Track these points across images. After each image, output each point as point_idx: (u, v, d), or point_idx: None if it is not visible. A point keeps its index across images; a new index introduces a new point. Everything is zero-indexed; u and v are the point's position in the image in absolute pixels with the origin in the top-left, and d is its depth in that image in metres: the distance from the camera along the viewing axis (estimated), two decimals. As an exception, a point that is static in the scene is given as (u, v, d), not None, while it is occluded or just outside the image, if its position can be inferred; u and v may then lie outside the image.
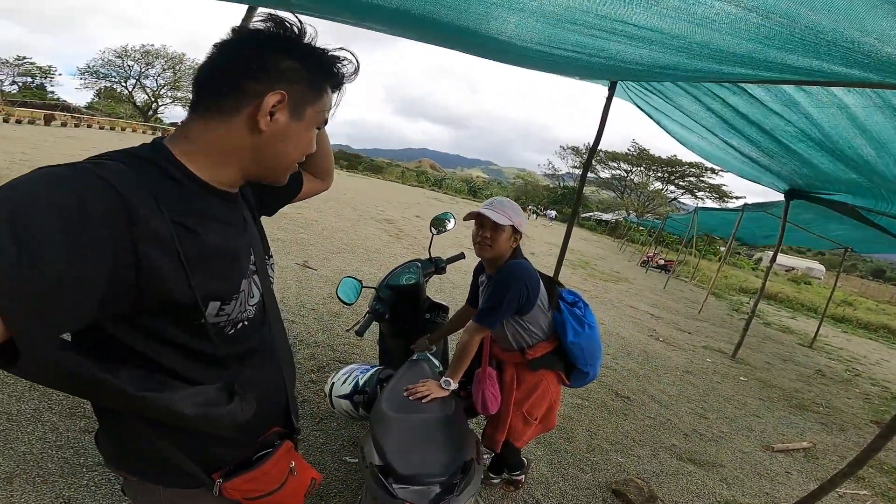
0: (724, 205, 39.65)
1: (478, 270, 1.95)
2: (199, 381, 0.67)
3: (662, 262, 18.12)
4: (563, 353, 1.84)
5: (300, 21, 0.68)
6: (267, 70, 0.65)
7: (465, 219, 1.74)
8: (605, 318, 6.56)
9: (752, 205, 8.48)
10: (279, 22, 0.67)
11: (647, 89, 3.22)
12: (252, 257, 0.76)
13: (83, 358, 0.56)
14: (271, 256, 0.88)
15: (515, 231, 1.69)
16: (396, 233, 9.44)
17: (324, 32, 0.71)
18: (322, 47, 0.71)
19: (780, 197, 5.61)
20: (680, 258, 17.43)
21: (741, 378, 5.34)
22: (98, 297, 0.52)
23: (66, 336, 0.59)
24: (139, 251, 0.55)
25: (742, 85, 2.54)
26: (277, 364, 0.84)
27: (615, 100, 3.37)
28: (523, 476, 2.25)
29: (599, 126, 3.55)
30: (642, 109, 3.72)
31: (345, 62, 0.73)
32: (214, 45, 0.67)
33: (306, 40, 0.69)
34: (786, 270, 43.50)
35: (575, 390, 3.49)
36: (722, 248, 30.75)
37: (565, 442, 2.81)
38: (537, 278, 1.76)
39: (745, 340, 6.36)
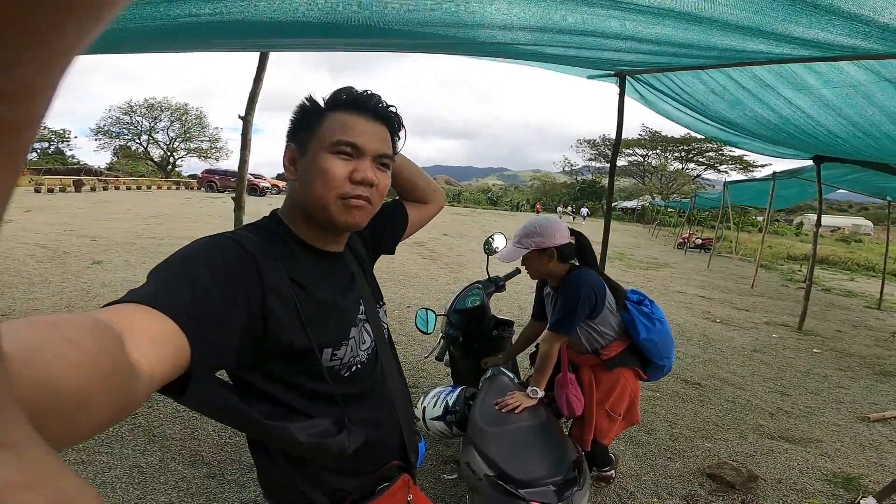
0: (750, 174, 38.15)
1: (541, 284, 2.02)
2: (318, 417, 0.74)
3: (700, 241, 17.57)
4: (637, 350, 1.89)
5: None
6: (289, 135, 0.79)
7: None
8: (655, 308, 6.41)
9: (783, 172, 8.26)
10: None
11: (654, 85, 3.25)
12: (362, 307, 0.85)
13: (230, 393, 0.68)
14: (383, 304, 0.95)
15: (542, 250, 1.72)
16: (430, 254, 9.55)
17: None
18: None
19: (809, 162, 5.44)
20: (718, 234, 16.84)
21: (814, 350, 5.09)
22: (240, 338, 0.61)
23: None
24: (267, 302, 0.65)
25: (752, 69, 2.55)
26: (391, 403, 0.89)
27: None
28: (613, 471, 2.25)
29: (618, 124, 3.56)
30: (651, 105, 3.71)
31: (348, 89, 0.79)
32: None
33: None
34: (831, 231, 41.22)
35: (643, 384, 3.44)
36: (759, 218, 29.50)
37: (646, 434, 2.77)
38: (602, 282, 1.83)
39: (809, 310, 6.08)
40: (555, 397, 1.88)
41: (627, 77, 3.26)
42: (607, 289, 1.84)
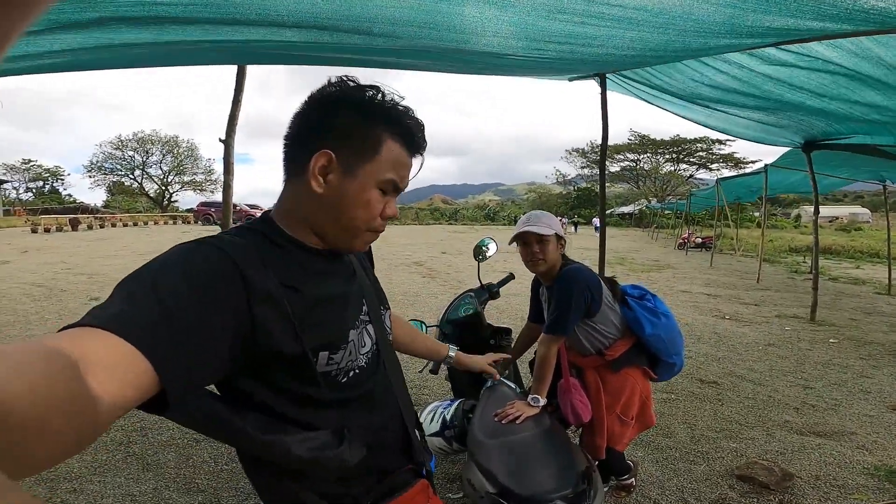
0: (741, 171, 38.31)
1: (535, 285, 1.93)
2: (315, 426, 0.70)
3: (700, 240, 17.48)
4: (644, 348, 1.79)
5: (374, 86, 0.70)
6: (320, 130, 0.68)
7: (510, 242, 1.74)
8: (661, 308, 6.26)
9: (774, 164, 8.19)
10: (345, 82, 0.69)
11: (635, 79, 3.21)
12: (364, 307, 0.80)
13: (220, 405, 0.65)
14: (388, 308, 0.91)
15: (559, 238, 1.70)
16: (429, 273, 9.44)
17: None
18: (385, 100, 0.70)
19: (799, 153, 5.40)
20: (717, 232, 16.77)
21: (831, 340, 4.92)
22: (226, 351, 0.57)
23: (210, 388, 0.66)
24: (253, 310, 0.60)
25: (728, 56, 2.51)
26: (396, 406, 0.85)
27: (608, 93, 3.36)
28: (633, 479, 2.10)
29: (603, 123, 3.53)
30: (637, 96, 3.69)
31: (409, 113, 0.72)
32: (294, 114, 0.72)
33: (370, 95, 0.69)
34: (829, 221, 41.19)
35: (656, 386, 3.29)
36: (756, 214, 29.48)
37: (664, 438, 2.60)
38: (597, 277, 1.74)
39: (819, 300, 5.93)
40: (559, 405, 1.75)
41: (608, 75, 3.23)
42: (602, 283, 1.75)
